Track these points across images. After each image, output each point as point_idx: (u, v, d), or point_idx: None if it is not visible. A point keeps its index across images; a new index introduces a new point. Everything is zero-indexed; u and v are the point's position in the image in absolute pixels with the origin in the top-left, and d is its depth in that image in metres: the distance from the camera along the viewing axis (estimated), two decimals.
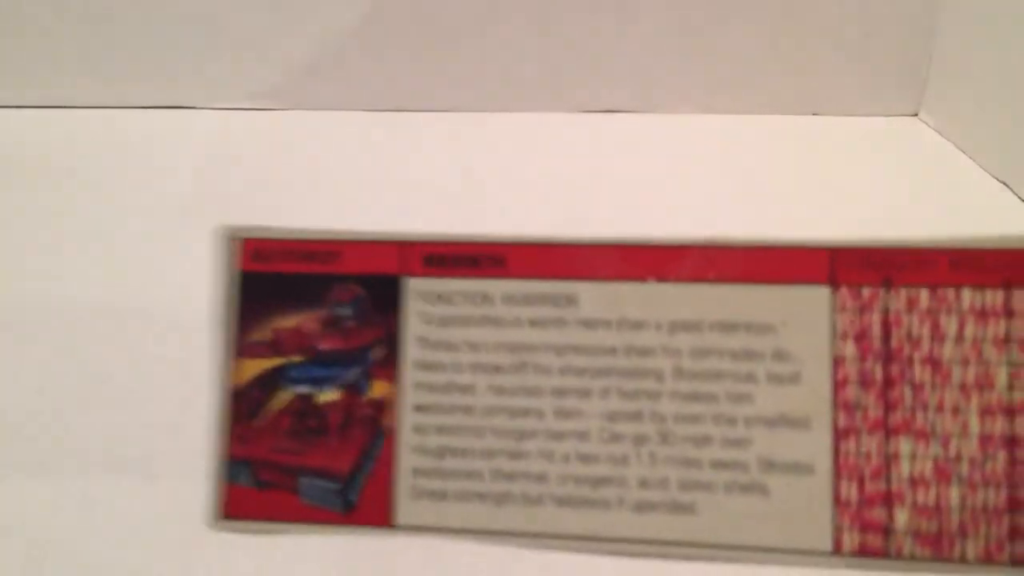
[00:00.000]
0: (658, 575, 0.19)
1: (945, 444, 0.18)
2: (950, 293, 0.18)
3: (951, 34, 0.41)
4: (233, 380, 0.20)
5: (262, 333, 0.20)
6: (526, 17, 0.43)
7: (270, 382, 0.20)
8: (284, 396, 0.20)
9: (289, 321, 0.20)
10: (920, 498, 0.18)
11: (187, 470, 0.21)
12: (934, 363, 0.18)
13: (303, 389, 0.20)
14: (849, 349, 0.19)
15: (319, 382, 0.20)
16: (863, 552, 0.18)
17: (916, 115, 0.43)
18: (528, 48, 0.44)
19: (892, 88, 0.43)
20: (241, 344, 0.20)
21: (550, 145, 0.42)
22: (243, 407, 0.20)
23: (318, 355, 0.20)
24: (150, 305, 0.29)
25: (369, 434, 0.20)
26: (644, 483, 0.19)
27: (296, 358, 0.20)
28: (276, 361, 0.20)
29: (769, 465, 0.19)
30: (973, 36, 0.40)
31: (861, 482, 0.18)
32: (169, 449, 0.23)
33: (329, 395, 0.20)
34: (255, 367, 0.20)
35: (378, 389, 0.20)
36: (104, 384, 0.26)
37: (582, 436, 0.19)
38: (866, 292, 0.19)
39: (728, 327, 0.19)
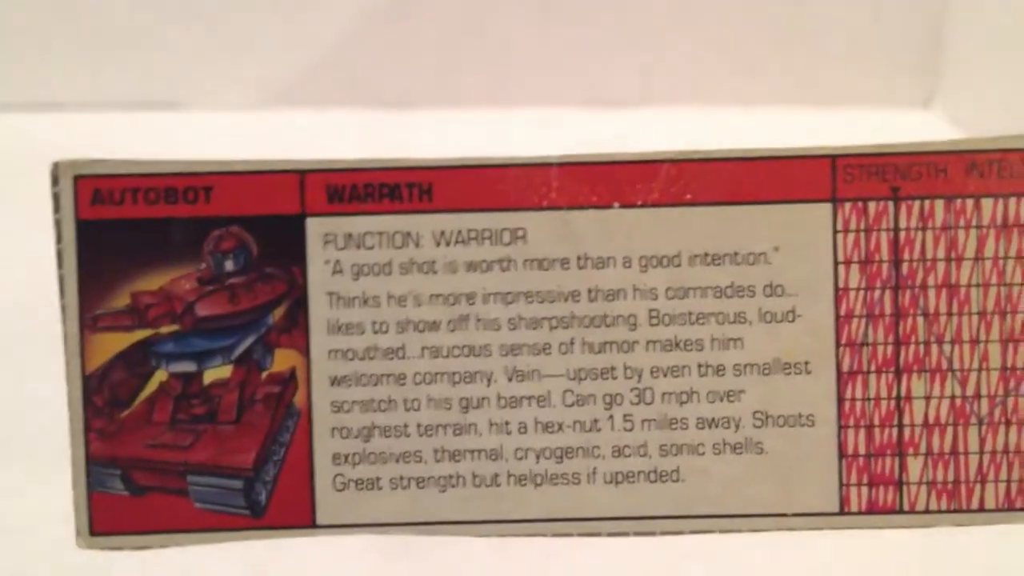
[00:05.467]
0: (641, 554, 0.16)
1: (963, 381, 0.16)
2: (968, 204, 0.16)
3: (964, 22, 0.40)
4: (85, 362, 0.16)
5: (117, 299, 0.16)
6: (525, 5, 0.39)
7: (136, 361, 0.16)
8: (157, 378, 0.16)
9: (152, 282, 0.16)
10: (935, 444, 0.16)
11: (47, 477, 0.16)
12: (950, 288, 0.16)
13: (182, 367, 0.16)
14: (853, 277, 0.16)
15: (202, 357, 0.16)
16: (872, 509, 0.16)
17: (928, 106, 0.42)
18: (527, 38, 0.40)
19: (904, 78, 0.42)
20: (90, 315, 0.16)
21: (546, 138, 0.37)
22: (104, 395, 0.16)
23: (197, 322, 0.16)
24: None
25: (275, 416, 0.16)
26: (619, 451, 0.16)
27: (166, 328, 0.16)
28: (140, 334, 0.16)
29: (764, 419, 0.16)
30: (987, 25, 0.38)
31: (869, 431, 0.16)
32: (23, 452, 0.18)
33: (218, 372, 0.16)
34: (113, 343, 0.16)
35: (282, 360, 0.16)
36: None
37: (542, 400, 0.16)
38: (872, 208, 0.16)
39: (711, 259, 0.16)
